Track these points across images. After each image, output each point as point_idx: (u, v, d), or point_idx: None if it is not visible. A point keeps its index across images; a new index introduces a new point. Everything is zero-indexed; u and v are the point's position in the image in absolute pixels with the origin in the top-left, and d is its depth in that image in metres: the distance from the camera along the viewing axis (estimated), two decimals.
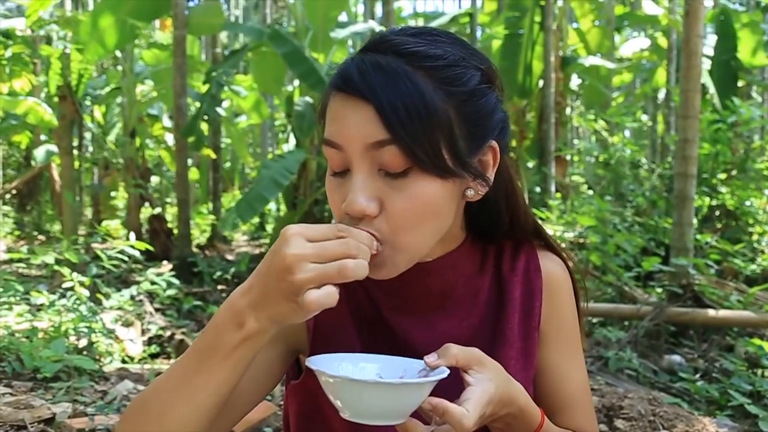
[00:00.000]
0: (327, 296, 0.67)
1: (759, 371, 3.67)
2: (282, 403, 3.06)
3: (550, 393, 0.96)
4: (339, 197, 0.81)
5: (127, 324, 4.81)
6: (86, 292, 4.45)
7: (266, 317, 0.71)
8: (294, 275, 0.66)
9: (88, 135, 12.07)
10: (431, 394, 0.73)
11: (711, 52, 9.57)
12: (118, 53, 9.74)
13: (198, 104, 8.47)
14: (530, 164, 10.42)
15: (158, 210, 9.57)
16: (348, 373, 0.77)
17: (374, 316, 0.94)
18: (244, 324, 0.71)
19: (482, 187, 0.85)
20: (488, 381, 0.77)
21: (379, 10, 14.52)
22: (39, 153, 10.47)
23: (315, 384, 0.90)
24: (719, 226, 6.53)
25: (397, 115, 0.75)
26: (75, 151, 10.69)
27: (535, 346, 0.95)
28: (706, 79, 8.68)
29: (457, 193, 0.83)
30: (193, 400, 0.75)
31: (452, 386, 0.76)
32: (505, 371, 0.81)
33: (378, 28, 9.00)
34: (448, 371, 0.76)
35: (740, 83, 9.96)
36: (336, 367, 0.77)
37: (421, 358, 0.79)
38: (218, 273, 7.43)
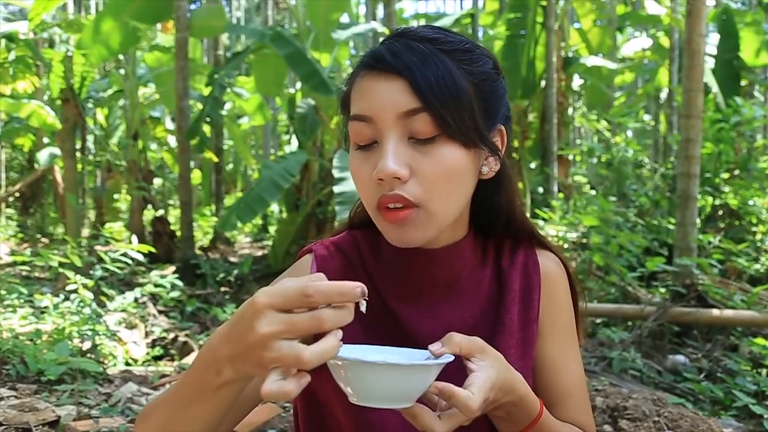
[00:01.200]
0: (281, 393, 0.66)
1: (763, 371, 3.66)
2: (285, 405, 3.07)
3: (547, 385, 0.99)
4: (367, 169, 0.86)
5: (131, 326, 4.82)
6: (90, 295, 4.46)
7: (243, 371, 0.71)
8: (262, 352, 0.66)
9: (90, 138, 12.09)
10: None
11: (713, 51, 9.55)
12: (120, 56, 9.77)
13: (200, 106, 8.48)
14: (532, 165, 10.41)
15: (161, 212, 9.58)
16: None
17: (379, 305, 0.96)
18: (221, 372, 0.72)
19: (495, 164, 0.92)
20: (490, 368, 0.80)
21: (380, 11, 14.52)
22: (42, 156, 10.50)
23: (319, 379, 0.92)
24: (722, 225, 6.52)
25: (430, 87, 0.82)
26: (78, 154, 10.69)
27: (533, 337, 0.98)
28: (708, 79, 8.67)
29: (476, 167, 0.89)
30: (190, 425, 0.78)
31: (456, 374, 0.78)
32: (505, 360, 0.84)
33: (380, 29, 9.01)
34: (453, 356, 0.78)
35: (743, 83, 9.95)
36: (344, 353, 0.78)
37: (425, 348, 0.81)
38: (221, 275, 7.44)
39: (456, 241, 0.96)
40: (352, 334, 0.91)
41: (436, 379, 0.75)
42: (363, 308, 0.70)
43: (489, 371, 0.79)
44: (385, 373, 0.71)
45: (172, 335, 4.94)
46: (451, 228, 0.93)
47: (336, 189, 6.27)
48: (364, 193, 0.88)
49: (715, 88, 8.88)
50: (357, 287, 0.68)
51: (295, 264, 1.01)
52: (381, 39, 0.93)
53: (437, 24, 11.93)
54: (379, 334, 0.94)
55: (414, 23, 18.22)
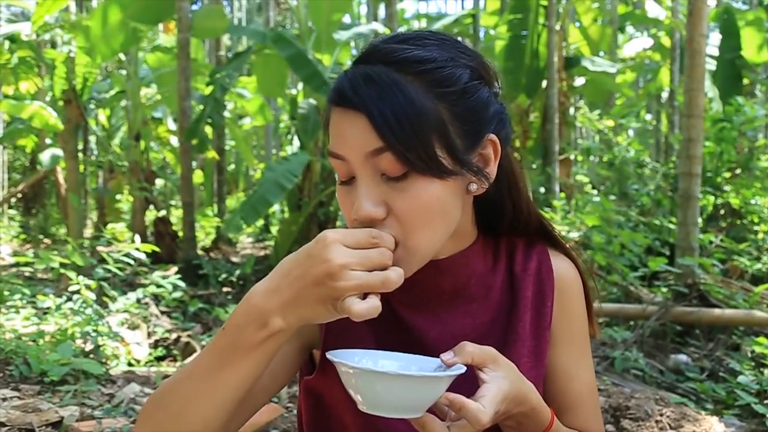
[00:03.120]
0: (372, 309, 0.70)
1: (765, 370, 3.65)
2: (288, 405, 3.07)
3: (559, 393, 0.98)
4: (349, 204, 0.84)
5: (133, 327, 4.83)
6: (92, 296, 4.46)
7: (295, 317, 0.73)
8: (337, 282, 0.69)
9: (92, 138, 12.12)
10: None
11: (714, 51, 9.55)
12: (122, 56, 9.77)
13: (202, 107, 8.49)
14: (534, 164, 10.41)
15: (163, 213, 9.60)
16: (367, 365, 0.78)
17: (388, 312, 0.94)
18: (267, 323, 0.73)
19: (483, 182, 0.87)
20: (502, 378, 0.79)
21: (382, 11, 14.52)
22: (44, 157, 10.50)
23: (327, 383, 0.91)
24: (724, 225, 6.52)
25: (388, 124, 0.78)
26: (80, 155, 10.71)
27: (546, 346, 0.96)
28: (707, 83, 8.66)
29: (460, 190, 0.85)
30: (216, 396, 0.77)
31: (466, 384, 0.77)
32: (518, 370, 0.82)
33: (381, 29, 9.01)
34: (465, 368, 0.77)
35: (744, 82, 9.94)
36: (355, 362, 0.78)
37: (435, 356, 0.80)
38: (223, 275, 7.44)
39: (462, 250, 0.94)
40: (362, 340, 0.92)
41: (447, 389, 0.75)
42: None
43: (501, 382, 0.78)
44: (396, 384, 0.71)
45: (174, 336, 4.95)
46: (453, 239, 0.90)
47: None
48: (350, 227, 0.86)
49: (711, 92, 8.86)
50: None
51: None
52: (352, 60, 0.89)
53: (438, 24, 11.84)
54: (388, 340, 0.92)
55: (415, 24, 18.23)
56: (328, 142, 0.87)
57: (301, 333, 0.92)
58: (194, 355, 0.76)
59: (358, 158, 0.81)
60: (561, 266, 1.00)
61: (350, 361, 0.76)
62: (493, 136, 0.86)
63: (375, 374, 0.71)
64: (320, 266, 0.70)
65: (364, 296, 0.72)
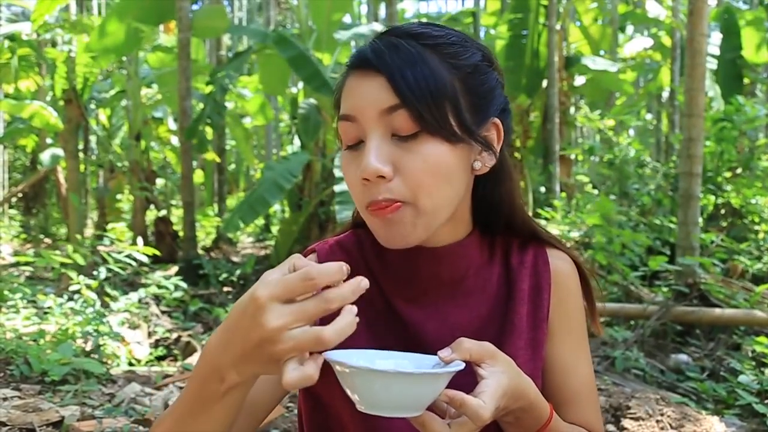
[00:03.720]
0: (304, 379, 0.66)
1: (766, 370, 3.65)
2: (288, 405, 3.07)
3: (557, 387, 0.98)
4: (355, 169, 0.85)
5: (134, 327, 4.83)
6: (93, 295, 4.47)
7: (249, 372, 0.71)
8: (275, 346, 0.66)
9: (93, 138, 12.12)
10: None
11: (715, 51, 9.55)
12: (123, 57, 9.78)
13: (202, 107, 8.49)
14: (535, 164, 10.41)
15: (164, 212, 9.60)
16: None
17: (384, 307, 0.95)
18: (224, 378, 0.71)
19: (489, 159, 0.90)
20: (501, 374, 0.78)
21: (382, 11, 14.52)
22: (45, 156, 10.51)
23: (325, 383, 0.91)
24: (725, 224, 6.51)
25: (406, 82, 0.81)
26: (80, 155, 10.72)
27: (543, 338, 0.96)
28: (709, 82, 8.66)
29: (466, 162, 0.87)
30: None
31: (464, 381, 0.77)
32: (516, 366, 0.82)
33: (381, 29, 9.02)
34: (463, 364, 0.76)
35: (745, 81, 9.94)
36: (352, 362, 0.76)
37: (433, 352, 0.80)
38: (224, 275, 7.44)
39: (459, 239, 0.94)
40: (359, 336, 0.91)
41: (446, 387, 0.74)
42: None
43: (500, 378, 0.78)
44: (394, 382, 0.70)
45: (175, 335, 4.95)
46: (451, 225, 0.92)
47: (336, 188, 6.28)
48: (354, 194, 0.88)
49: (711, 92, 8.86)
50: (342, 265, 0.67)
51: None
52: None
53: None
54: (384, 335, 0.92)
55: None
56: (340, 111, 0.88)
57: None
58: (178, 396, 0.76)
59: (371, 116, 0.83)
60: (558, 261, 1.01)
61: (347, 361, 0.75)
62: (497, 121, 0.90)
63: (372, 373, 0.70)
64: (257, 330, 0.66)
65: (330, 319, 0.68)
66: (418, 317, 0.94)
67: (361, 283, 0.68)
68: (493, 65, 0.91)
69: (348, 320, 0.67)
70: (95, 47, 8.28)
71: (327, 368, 0.80)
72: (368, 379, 0.70)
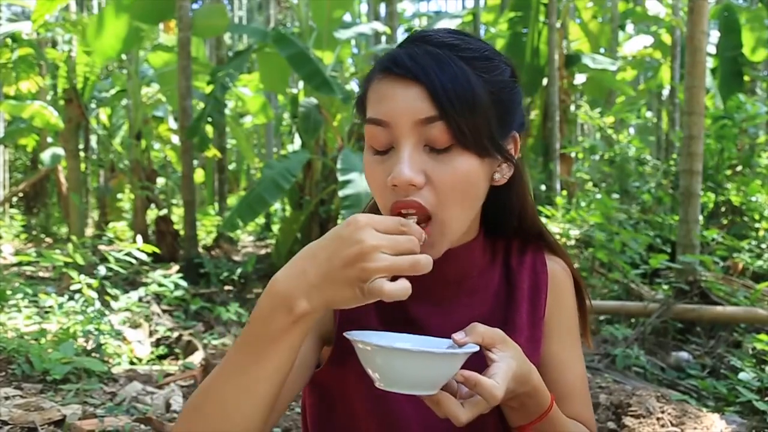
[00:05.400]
0: (403, 290, 0.71)
1: (767, 367, 3.66)
2: (290, 403, 3.07)
3: (552, 383, 1.00)
4: (382, 174, 0.86)
5: (135, 325, 4.83)
6: (94, 294, 4.47)
7: (321, 300, 0.72)
8: (368, 263, 0.69)
9: (94, 138, 12.12)
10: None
11: (714, 50, 9.54)
12: (123, 56, 9.77)
13: (203, 106, 8.49)
14: (535, 162, 10.41)
15: (164, 211, 9.60)
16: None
17: (395, 304, 0.96)
18: (293, 308, 0.72)
19: (508, 171, 0.92)
20: (511, 358, 0.82)
21: (383, 10, 14.51)
22: (45, 156, 10.52)
23: (337, 374, 0.95)
24: (725, 222, 6.51)
25: (447, 94, 0.81)
26: (81, 154, 10.73)
27: (540, 336, 1.00)
28: (708, 80, 8.66)
29: (488, 175, 0.90)
30: (253, 392, 0.77)
31: (476, 364, 0.80)
32: (522, 352, 0.86)
33: (382, 28, 9.01)
34: (477, 347, 0.80)
35: (745, 79, 9.93)
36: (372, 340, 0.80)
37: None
38: (225, 274, 7.44)
39: (467, 242, 0.97)
40: (372, 330, 0.94)
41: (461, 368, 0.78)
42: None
43: (510, 362, 0.81)
44: (415, 360, 0.73)
45: (176, 334, 4.95)
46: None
47: (341, 193, 6.26)
48: (378, 197, 0.88)
49: (711, 89, 8.85)
50: (423, 233, 0.76)
51: None
52: (398, 42, 0.93)
53: (438, 24, 11.88)
54: (395, 330, 0.94)
55: (416, 22, 18.22)
56: (362, 117, 0.89)
57: (318, 327, 0.95)
58: (225, 355, 0.74)
59: (405, 125, 0.83)
60: (554, 264, 1.05)
61: (368, 339, 0.79)
62: (516, 134, 0.92)
63: (394, 351, 0.73)
64: (352, 247, 0.70)
65: (392, 280, 0.72)
66: (423, 313, 0.97)
67: (423, 234, 0.76)
68: (518, 81, 0.93)
69: (430, 261, 0.73)
70: (93, 44, 8.26)
71: (341, 359, 0.88)
72: (390, 357, 0.74)
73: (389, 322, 0.96)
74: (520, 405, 0.88)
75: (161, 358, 4.52)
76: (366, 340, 0.77)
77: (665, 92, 14.63)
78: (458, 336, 0.81)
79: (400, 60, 0.84)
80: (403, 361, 0.73)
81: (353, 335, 0.78)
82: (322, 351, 1.00)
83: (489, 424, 0.93)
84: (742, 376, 3.42)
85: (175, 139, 11.98)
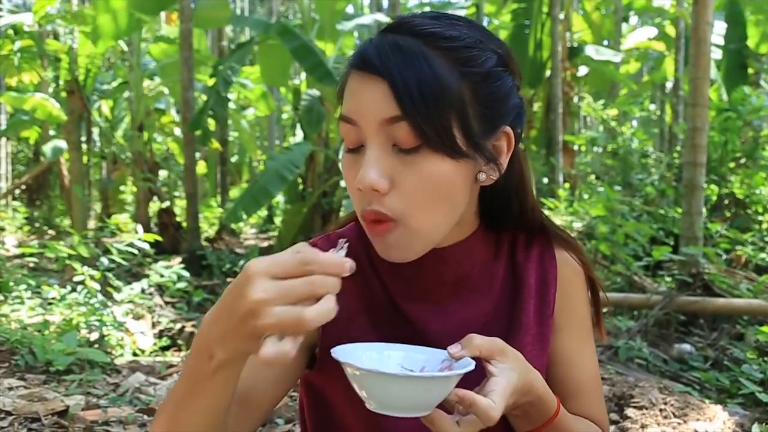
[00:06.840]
0: (280, 354, 0.63)
1: None
2: (293, 393, 3.08)
3: (562, 380, 0.97)
4: (353, 173, 0.81)
5: (138, 317, 4.85)
6: (97, 286, 4.48)
7: (232, 350, 0.68)
8: (257, 320, 0.63)
9: (96, 130, 12.12)
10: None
11: (719, 40, 9.49)
12: (125, 47, 9.76)
13: (205, 98, 8.48)
14: (538, 154, 10.40)
15: (167, 204, 9.60)
16: (374, 362, 0.77)
17: (388, 304, 0.93)
18: (213, 355, 0.69)
19: (494, 172, 0.85)
20: (511, 371, 0.78)
21: (385, 1, 14.47)
22: (48, 148, 10.52)
23: (327, 379, 0.91)
24: (729, 214, 6.50)
25: (409, 93, 0.76)
26: (83, 146, 10.73)
27: (549, 333, 0.95)
28: (713, 71, 8.63)
29: (469, 176, 0.83)
30: (194, 422, 0.76)
31: (474, 375, 0.76)
32: (525, 360, 0.82)
33: (384, 20, 8.98)
34: (474, 363, 0.75)
35: (750, 71, 9.89)
36: (360, 357, 0.76)
37: (438, 348, 0.80)
38: (227, 266, 7.46)
39: (464, 238, 0.92)
40: (362, 333, 0.90)
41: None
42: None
43: (510, 375, 0.77)
44: (405, 385, 0.70)
45: (178, 326, 4.97)
46: (457, 226, 0.88)
47: (343, 183, 6.27)
48: (352, 198, 0.84)
49: (717, 81, 8.83)
50: (346, 262, 0.65)
51: None
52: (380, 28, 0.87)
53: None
54: (389, 332, 0.90)
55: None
56: (342, 109, 0.84)
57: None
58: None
59: (371, 125, 0.78)
60: (563, 255, 0.99)
61: (356, 355, 0.75)
62: (508, 129, 0.85)
63: (383, 376, 0.69)
64: (241, 302, 0.64)
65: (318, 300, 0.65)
66: (422, 314, 0.92)
67: (346, 264, 0.65)
68: (509, 68, 0.86)
69: (330, 305, 0.64)
70: (93, 29, 8.23)
71: (329, 366, 0.80)
72: (379, 382, 0.70)
73: (383, 326, 0.92)
74: (523, 413, 0.84)
75: (164, 349, 4.53)
76: (355, 354, 0.73)
77: (669, 84, 14.57)
78: (453, 349, 0.76)
79: (367, 56, 0.79)
80: (394, 387, 0.70)
81: (340, 356, 0.73)
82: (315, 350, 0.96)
83: (492, 430, 0.91)
84: (744, 368, 3.43)
85: (178, 131, 11.98)
